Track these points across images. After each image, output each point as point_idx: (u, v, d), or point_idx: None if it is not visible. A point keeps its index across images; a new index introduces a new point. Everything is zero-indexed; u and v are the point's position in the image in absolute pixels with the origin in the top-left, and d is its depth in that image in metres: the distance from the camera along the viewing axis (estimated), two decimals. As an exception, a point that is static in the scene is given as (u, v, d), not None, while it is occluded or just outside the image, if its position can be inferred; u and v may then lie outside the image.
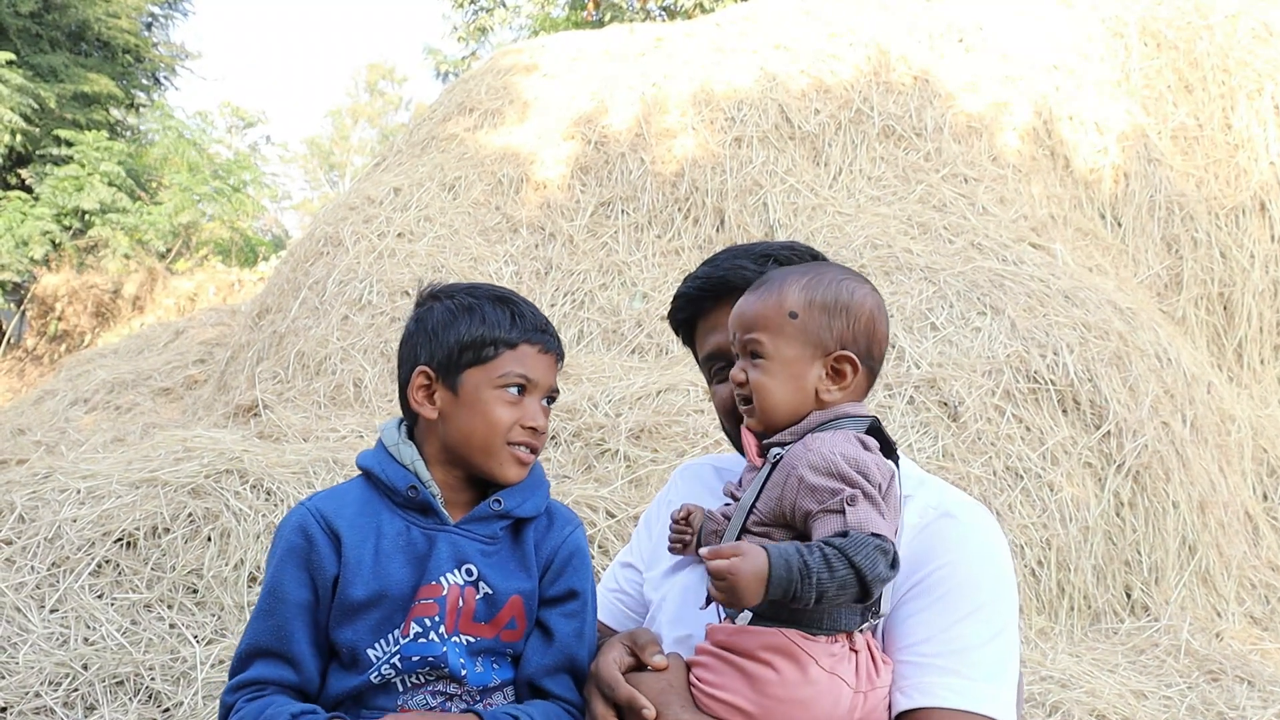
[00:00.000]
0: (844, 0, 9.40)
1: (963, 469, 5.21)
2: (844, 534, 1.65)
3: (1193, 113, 8.35)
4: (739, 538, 1.80)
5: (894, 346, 5.76)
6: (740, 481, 1.90)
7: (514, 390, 1.95)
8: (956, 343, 5.78)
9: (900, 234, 6.93)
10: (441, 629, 1.88)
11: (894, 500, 1.76)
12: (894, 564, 1.65)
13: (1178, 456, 5.61)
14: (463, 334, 1.97)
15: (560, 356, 2.06)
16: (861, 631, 1.77)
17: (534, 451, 1.99)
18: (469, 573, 1.91)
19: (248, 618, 4.14)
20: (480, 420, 1.95)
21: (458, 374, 1.97)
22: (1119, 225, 7.84)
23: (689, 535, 1.97)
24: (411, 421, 2.04)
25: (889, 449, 1.85)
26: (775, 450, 1.83)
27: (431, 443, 1.99)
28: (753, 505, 1.81)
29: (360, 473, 2.04)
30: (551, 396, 2.04)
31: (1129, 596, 5.33)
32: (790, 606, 1.65)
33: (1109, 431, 5.46)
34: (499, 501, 1.95)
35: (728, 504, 1.91)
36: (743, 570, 1.60)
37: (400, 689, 1.88)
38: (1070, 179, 7.94)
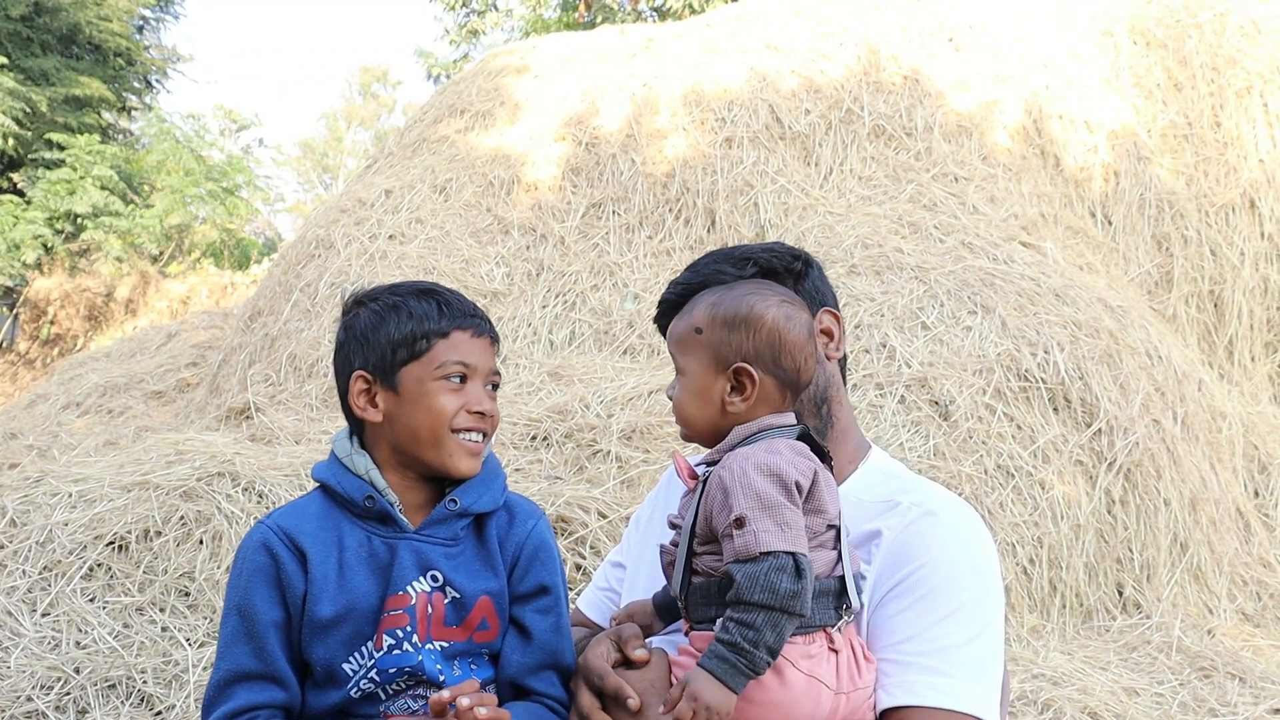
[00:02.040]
0: (834, 0, 9.42)
1: (954, 468, 5.22)
2: (731, 580, 1.67)
3: (1182, 111, 8.37)
4: (687, 563, 1.82)
5: (884, 345, 5.77)
6: (680, 509, 1.92)
7: (455, 379, 1.94)
8: (947, 342, 5.79)
9: (891, 233, 6.94)
10: (415, 638, 1.87)
11: (820, 499, 1.77)
12: (799, 573, 1.65)
13: (1169, 454, 5.62)
14: (393, 332, 1.95)
15: (495, 339, 2.04)
16: (840, 630, 1.78)
17: (485, 437, 1.98)
18: (434, 579, 1.90)
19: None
20: (424, 413, 1.93)
21: (395, 372, 1.95)
22: (1109, 223, 7.86)
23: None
24: (359, 430, 2.02)
25: (822, 456, 1.86)
26: (703, 469, 1.87)
27: (381, 447, 1.97)
28: (692, 529, 1.82)
29: (316, 485, 2.01)
30: (494, 382, 2.02)
31: (1121, 594, 5.34)
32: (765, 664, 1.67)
33: (1100, 429, 5.47)
34: (455, 501, 1.93)
35: (675, 534, 1.92)
36: (705, 701, 1.64)
37: (382, 696, 1.87)
38: (1060, 177, 7.96)
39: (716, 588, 1.75)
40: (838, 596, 1.79)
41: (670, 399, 1.96)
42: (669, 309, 2.12)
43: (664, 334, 2.19)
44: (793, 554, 1.66)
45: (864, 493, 2.02)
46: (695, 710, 1.62)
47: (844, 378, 2.19)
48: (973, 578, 1.87)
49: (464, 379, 1.95)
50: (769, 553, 1.65)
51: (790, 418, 1.89)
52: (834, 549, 1.81)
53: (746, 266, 2.07)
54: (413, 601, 1.88)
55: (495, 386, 2.03)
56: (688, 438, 1.95)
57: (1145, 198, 7.90)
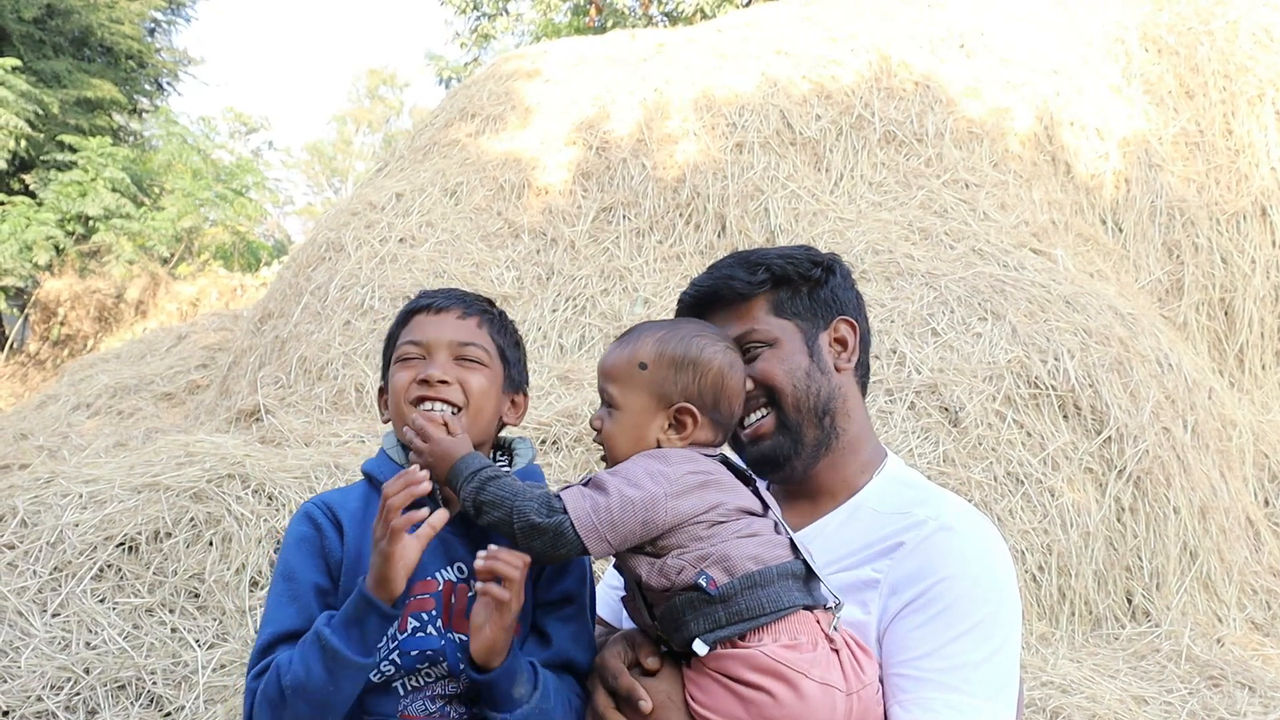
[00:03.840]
0: (845, 6, 9.42)
1: (963, 474, 5.22)
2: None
3: (1194, 118, 8.35)
4: (639, 589, 1.86)
5: (894, 352, 5.77)
6: None
7: (412, 359, 2.03)
8: (957, 348, 5.79)
9: (901, 239, 6.94)
10: (439, 622, 1.90)
11: (723, 486, 1.85)
12: (545, 512, 1.76)
13: (1179, 462, 5.61)
14: (386, 344, 2.15)
15: (466, 311, 2.09)
16: (835, 627, 1.79)
17: (451, 407, 2.00)
18: (460, 570, 1.93)
19: (249, 622, 4.15)
20: (392, 395, 2.04)
21: (385, 373, 2.11)
22: (1120, 230, 7.85)
23: None
24: None
25: (742, 476, 1.92)
26: None
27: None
28: None
29: (363, 478, 2.08)
30: (465, 354, 2.05)
31: (1130, 602, 5.33)
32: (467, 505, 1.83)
33: (1110, 437, 5.46)
34: None
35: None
36: (441, 442, 1.86)
37: (400, 692, 1.88)
38: (1071, 184, 7.95)
39: (680, 606, 1.77)
40: (804, 581, 1.81)
41: (595, 428, 1.97)
42: (686, 309, 2.14)
43: None
44: (556, 516, 1.76)
45: (878, 503, 2.02)
46: (433, 442, 1.88)
47: (864, 386, 2.19)
48: (990, 593, 1.87)
49: (421, 356, 2.02)
50: (557, 496, 1.79)
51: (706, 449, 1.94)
52: (778, 536, 1.84)
53: (758, 272, 2.08)
54: (439, 588, 1.91)
55: (478, 361, 2.06)
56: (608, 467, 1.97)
57: (1156, 205, 7.89)
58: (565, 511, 1.75)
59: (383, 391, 2.12)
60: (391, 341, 2.12)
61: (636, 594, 1.85)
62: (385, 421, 2.09)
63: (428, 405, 1.97)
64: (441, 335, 2.02)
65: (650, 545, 1.79)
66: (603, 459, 1.97)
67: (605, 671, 1.87)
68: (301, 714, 1.75)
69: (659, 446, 1.90)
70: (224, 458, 4.87)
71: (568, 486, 1.81)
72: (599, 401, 1.99)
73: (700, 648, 1.73)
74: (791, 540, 1.84)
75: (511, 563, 1.76)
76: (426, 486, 1.78)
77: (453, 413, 1.99)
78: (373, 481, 2.03)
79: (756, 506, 1.85)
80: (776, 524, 1.86)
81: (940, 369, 5.65)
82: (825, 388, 2.06)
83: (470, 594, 1.90)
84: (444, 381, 1.99)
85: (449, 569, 1.92)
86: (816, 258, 2.15)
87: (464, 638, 1.88)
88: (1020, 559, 5.08)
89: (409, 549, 1.75)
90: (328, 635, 1.75)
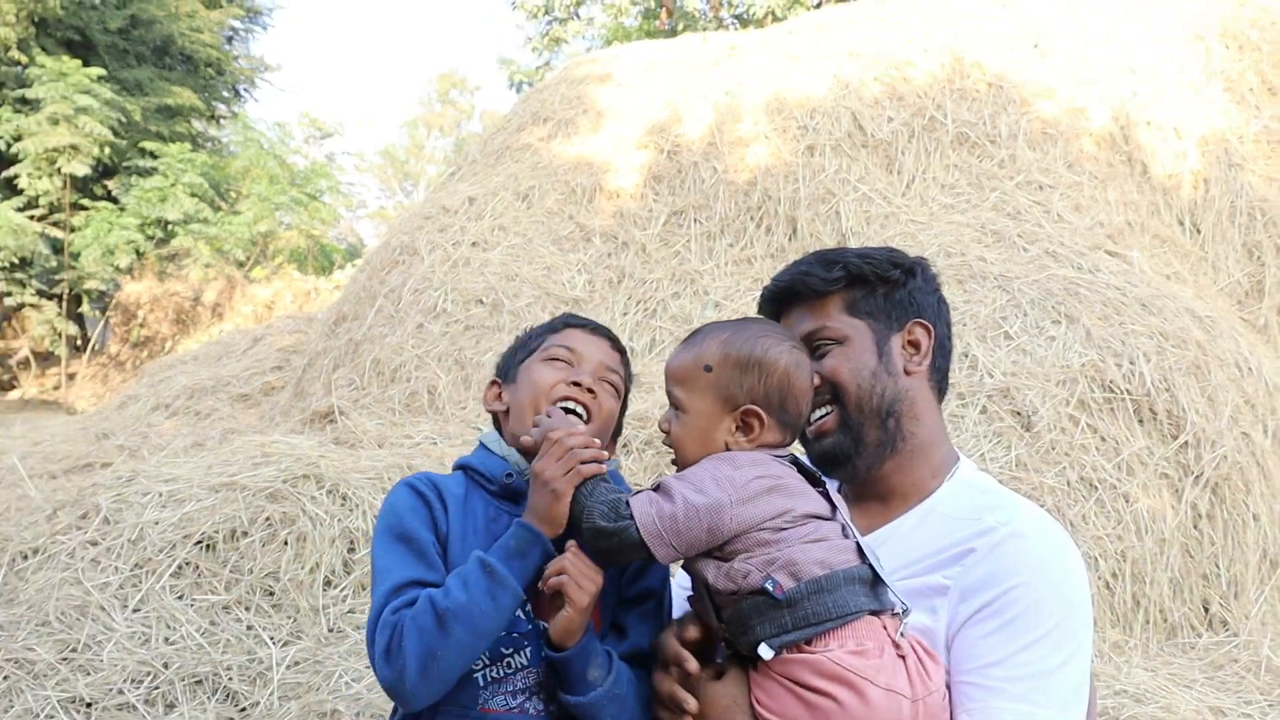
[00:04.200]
0: (918, 6, 9.36)
1: (1036, 479, 5.16)
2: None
3: (1276, 116, 8.18)
4: (708, 589, 1.87)
5: (966, 355, 5.71)
6: None
7: (560, 362, 2.10)
8: (1030, 351, 5.72)
9: (974, 242, 6.88)
10: (528, 607, 1.93)
11: (789, 491, 1.84)
12: (613, 517, 1.79)
13: (1258, 468, 5.50)
14: (517, 344, 2.21)
15: (617, 346, 2.18)
16: (904, 634, 1.78)
17: (584, 418, 2.06)
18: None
19: (323, 620, 4.22)
20: (527, 388, 2.09)
21: (514, 369, 2.16)
22: (1198, 232, 7.71)
23: None
24: (498, 428, 2.20)
25: (812, 478, 1.91)
26: None
27: (507, 438, 2.13)
28: None
29: (459, 470, 2.14)
30: (609, 379, 2.12)
31: (1206, 610, 5.23)
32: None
33: (1186, 442, 5.37)
34: None
35: None
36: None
37: (480, 683, 1.90)
38: (1148, 185, 7.83)
39: (747, 610, 1.77)
40: (871, 585, 1.79)
41: (664, 430, 1.98)
42: (766, 304, 2.17)
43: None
44: (626, 519, 1.78)
45: (950, 508, 2.00)
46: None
47: (942, 391, 2.18)
48: (1061, 602, 1.84)
49: (570, 363, 2.08)
50: (628, 502, 1.80)
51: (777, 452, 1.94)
52: (846, 541, 1.83)
53: (834, 269, 2.09)
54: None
55: (615, 389, 2.14)
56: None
57: (1236, 205, 7.74)
58: (632, 517, 1.77)
59: (496, 384, 2.20)
60: (530, 342, 2.19)
61: (704, 596, 1.85)
62: (490, 411, 2.18)
63: (569, 405, 2.04)
64: (594, 353, 2.11)
65: (717, 549, 1.79)
66: (673, 461, 1.98)
67: (660, 649, 1.91)
68: (458, 638, 1.78)
69: (727, 449, 1.90)
70: (299, 458, 4.94)
71: (639, 491, 1.83)
72: (669, 404, 1.99)
73: (766, 652, 1.73)
74: (859, 544, 1.83)
75: (580, 583, 1.83)
76: (601, 453, 1.90)
77: (585, 422, 2.06)
78: (468, 470, 2.10)
79: (824, 510, 1.85)
80: (844, 527, 1.85)
81: (1013, 373, 5.59)
82: (891, 389, 2.05)
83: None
84: (591, 390, 2.07)
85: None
86: (898, 259, 2.14)
87: (545, 626, 1.91)
88: (1094, 565, 5.01)
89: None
90: (494, 562, 1.82)
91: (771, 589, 1.73)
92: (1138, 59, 8.44)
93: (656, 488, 1.82)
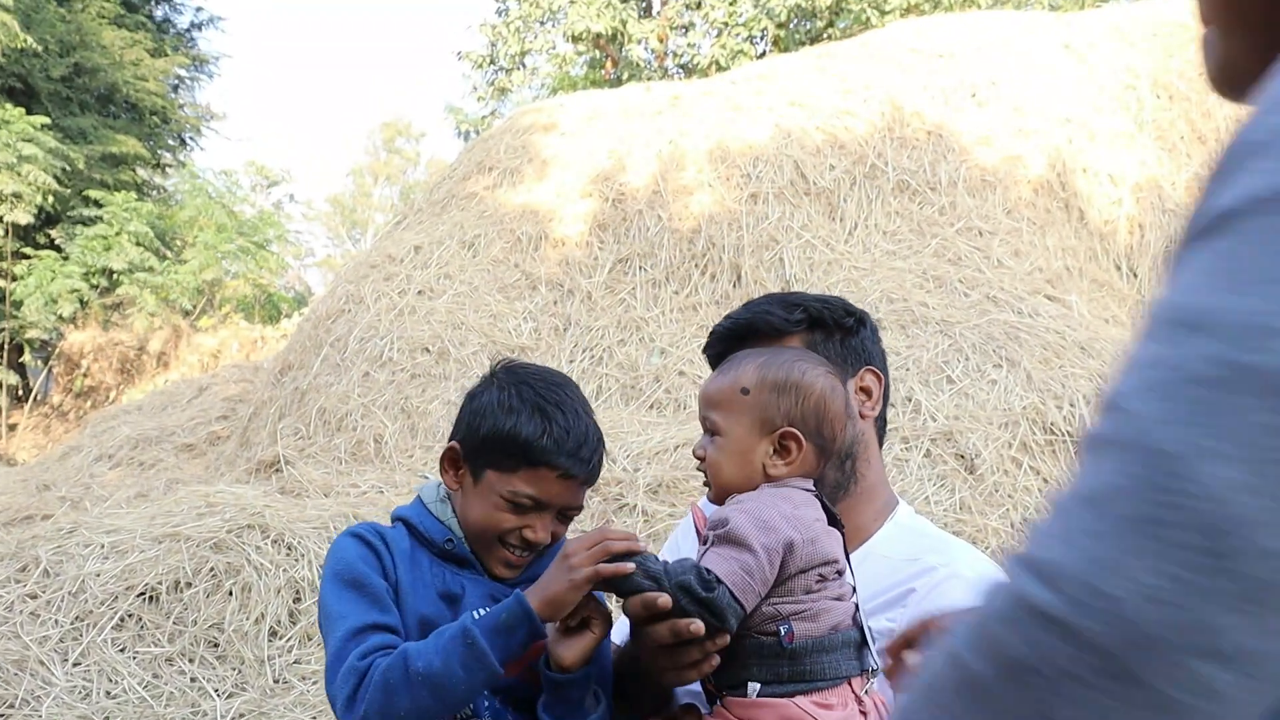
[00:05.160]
0: (858, 57, 9.51)
1: (980, 521, 5.22)
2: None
3: (1206, 163, 8.37)
4: None
5: (910, 399, 5.79)
6: None
7: (522, 508, 2.00)
8: (973, 395, 5.80)
9: (916, 287, 6.98)
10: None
11: (822, 545, 1.79)
12: (706, 585, 1.69)
13: (1196, 507, 5.59)
14: (496, 433, 2.01)
15: (589, 481, 2.07)
16: (868, 692, 1.79)
17: (530, 550, 2.02)
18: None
19: (268, 671, 4.18)
20: (481, 513, 2.01)
21: (479, 465, 2.03)
22: (1135, 276, 7.87)
23: None
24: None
25: (833, 519, 1.88)
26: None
27: (457, 507, 2.06)
28: None
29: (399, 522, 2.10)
30: (567, 514, 2.07)
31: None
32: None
33: (1126, 483, 5.45)
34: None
35: None
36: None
37: None
38: (1085, 230, 7.99)
39: (750, 649, 1.75)
40: (858, 648, 1.79)
41: (698, 457, 1.95)
42: (718, 341, 2.16)
43: (713, 365, 2.21)
44: (715, 581, 1.70)
45: (888, 549, 2.03)
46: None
47: (881, 437, 2.22)
48: None
49: (532, 509, 2.01)
50: (706, 568, 1.72)
51: (808, 483, 1.91)
52: (852, 600, 1.82)
53: (795, 311, 2.11)
54: None
55: (570, 518, 2.09)
56: (719, 499, 1.93)
57: (1171, 249, 7.89)
58: (719, 580, 1.75)
59: (455, 455, 2.06)
60: (507, 445, 2.01)
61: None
62: (441, 474, 2.09)
63: (513, 550, 2.00)
64: (560, 499, 2.02)
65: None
66: (705, 485, 1.98)
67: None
68: (420, 701, 1.76)
69: (765, 473, 1.89)
70: (244, 508, 4.91)
71: (704, 550, 1.79)
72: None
73: (752, 691, 1.74)
74: (855, 603, 1.84)
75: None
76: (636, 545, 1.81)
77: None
78: (408, 525, 2.06)
79: (844, 561, 1.86)
80: (854, 589, 1.86)
81: (956, 416, 5.66)
82: (851, 432, 2.08)
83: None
84: (545, 543, 2.03)
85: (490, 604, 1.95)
86: (850, 308, 2.18)
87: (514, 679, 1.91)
88: (1037, 606, 5.06)
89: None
90: (477, 635, 1.77)
91: (783, 635, 1.74)
92: (1073, 109, 8.62)
93: (718, 533, 1.78)
